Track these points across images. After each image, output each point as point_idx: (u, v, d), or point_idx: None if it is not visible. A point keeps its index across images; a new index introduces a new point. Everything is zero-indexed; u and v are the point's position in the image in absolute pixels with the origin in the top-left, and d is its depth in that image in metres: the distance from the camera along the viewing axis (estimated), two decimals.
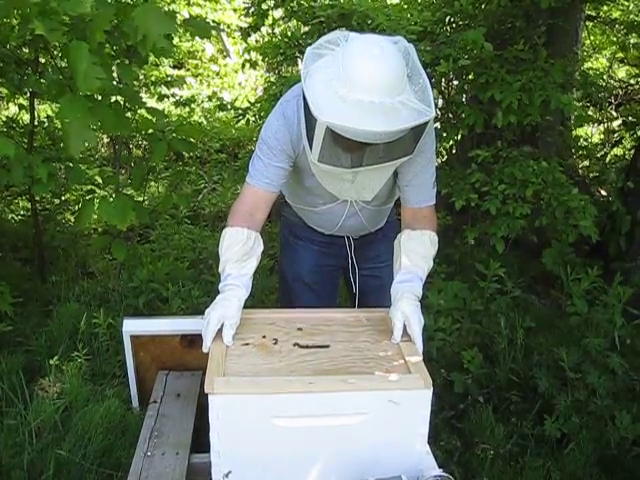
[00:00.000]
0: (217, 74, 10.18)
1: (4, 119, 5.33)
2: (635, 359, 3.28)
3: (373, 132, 1.89)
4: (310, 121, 1.99)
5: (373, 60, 1.90)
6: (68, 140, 2.89)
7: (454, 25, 4.30)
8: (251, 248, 2.23)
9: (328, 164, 2.08)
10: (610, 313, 3.37)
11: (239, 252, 2.20)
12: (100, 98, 3.16)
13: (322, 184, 2.33)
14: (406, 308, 2.13)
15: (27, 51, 3.82)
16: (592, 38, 6.95)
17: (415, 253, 2.28)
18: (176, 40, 7.68)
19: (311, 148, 2.05)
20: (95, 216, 3.93)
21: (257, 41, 6.41)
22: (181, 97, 8.25)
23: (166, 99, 7.87)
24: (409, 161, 2.17)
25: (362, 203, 2.45)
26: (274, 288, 4.18)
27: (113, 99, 3.45)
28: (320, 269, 2.74)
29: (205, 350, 2.04)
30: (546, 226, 3.78)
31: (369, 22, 4.24)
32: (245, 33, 5.46)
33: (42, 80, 3.55)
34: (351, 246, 2.67)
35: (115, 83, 3.38)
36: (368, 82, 1.89)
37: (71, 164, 3.80)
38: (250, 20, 5.60)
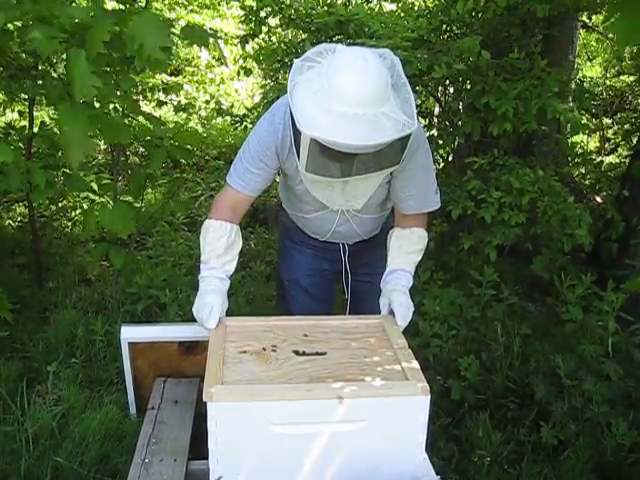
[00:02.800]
0: (213, 81, 10.19)
1: (2, 125, 5.32)
2: (630, 366, 3.29)
3: (354, 145, 1.95)
4: (297, 132, 2.05)
5: (356, 72, 1.96)
6: (68, 150, 2.89)
7: (451, 34, 4.32)
8: (233, 241, 2.40)
9: (315, 174, 2.14)
10: (605, 320, 3.38)
11: (222, 245, 2.37)
12: (99, 106, 3.16)
13: (311, 192, 2.37)
14: (392, 294, 2.38)
15: (26, 56, 3.82)
16: (587, 46, 7.00)
17: (403, 250, 2.47)
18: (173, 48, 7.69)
19: (299, 158, 2.11)
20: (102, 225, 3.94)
21: (254, 48, 6.43)
22: (179, 103, 8.26)
23: (164, 105, 7.87)
24: (399, 172, 2.23)
25: (353, 211, 2.49)
26: (271, 295, 4.18)
27: (112, 107, 3.45)
28: (316, 273, 2.77)
29: (212, 326, 2.22)
30: (541, 234, 3.79)
31: (366, 30, 4.26)
32: (243, 41, 5.48)
33: (42, 86, 3.55)
34: (345, 252, 2.70)
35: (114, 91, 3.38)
36: (351, 94, 1.94)
37: (69, 171, 3.80)
38: (247, 27, 5.62)
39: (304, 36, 5.05)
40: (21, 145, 3.94)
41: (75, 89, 2.73)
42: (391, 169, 2.18)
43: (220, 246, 2.36)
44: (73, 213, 5.37)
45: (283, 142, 2.26)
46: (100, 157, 7.34)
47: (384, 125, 1.95)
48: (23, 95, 3.95)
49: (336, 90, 1.94)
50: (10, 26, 3.13)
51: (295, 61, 2.11)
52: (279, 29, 5.65)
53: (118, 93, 3.33)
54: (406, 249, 2.47)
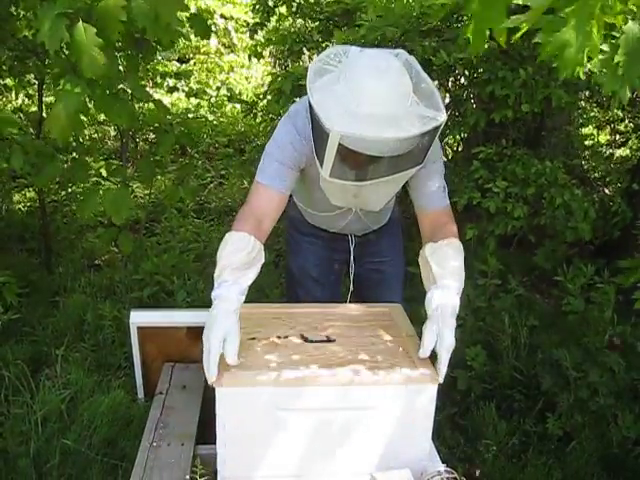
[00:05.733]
0: (222, 69, 10.16)
1: (12, 109, 5.35)
2: (636, 358, 3.28)
3: (386, 139, 1.88)
4: (320, 137, 1.98)
5: (380, 74, 1.93)
6: (56, 125, 2.83)
7: (461, 23, 4.29)
8: (254, 259, 2.06)
9: (339, 179, 2.07)
10: (603, 311, 3.38)
11: (240, 260, 2.03)
12: (106, 88, 3.13)
13: (328, 197, 2.35)
14: (443, 329, 1.93)
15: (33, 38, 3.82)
16: None
17: (444, 265, 2.10)
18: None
19: (321, 164, 2.04)
20: (101, 208, 3.94)
21: (264, 36, 6.44)
22: (190, 88, 8.25)
23: (176, 92, 7.87)
24: (418, 171, 2.17)
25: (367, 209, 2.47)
26: (278, 283, 4.19)
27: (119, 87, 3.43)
28: (324, 262, 2.77)
29: (211, 381, 1.84)
30: (545, 226, 3.78)
31: (372, 18, 4.23)
32: (252, 30, 5.50)
33: (50, 66, 3.54)
34: (353, 242, 2.69)
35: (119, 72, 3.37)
36: (377, 95, 1.90)
37: (76, 155, 3.81)
38: (256, 16, 5.63)
39: (315, 24, 5.05)
40: (31, 130, 3.96)
41: (83, 65, 2.67)
42: (415, 169, 2.10)
43: (236, 261, 2.02)
44: (82, 198, 5.37)
45: (310, 147, 2.13)
46: (110, 143, 7.36)
47: (412, 121, 1.91)
48: (33, 80, 3.95)
49: (361, 93, 1.90)
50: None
51: (310, 65, 2.07)
52: (290, 17, 5.65)
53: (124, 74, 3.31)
54: (451, 264, 2.10)
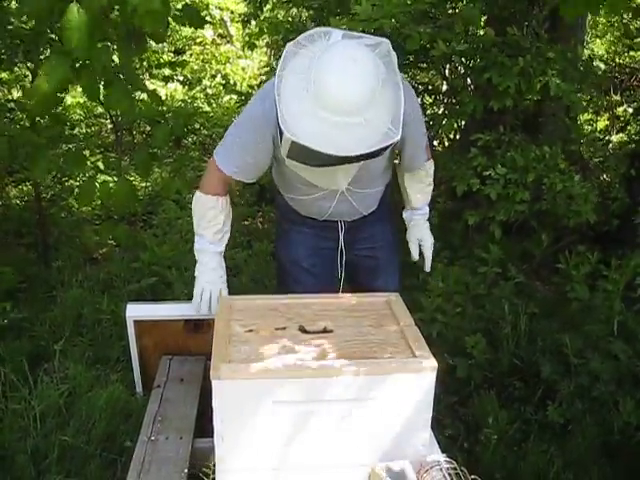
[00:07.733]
0: (218, 61, 10.11)
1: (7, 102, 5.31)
2: (637, 344, 3.27)
3: (333, 157, 1.92)
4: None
5: (342, 78, 1.91)
6: (36, 96, 2.82)
7: (456, 10, 4.25)
8: (221, 210, 2.48)
9: (296, 161, 2.12)
10: (610, 299, 3.36)
11: (210, 214, 2.46)
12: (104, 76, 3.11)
13: (307, 179, 2.36)
14: (423, 231, 2.75)
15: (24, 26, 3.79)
16: (596, 22, 6.91)
17: (416, 188, 2.68)
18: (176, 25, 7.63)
19: (281, 142, 2.09)
20: (99, 202, 3.92)
21: (259, 25, 6.40)
22: (185, 77, 8.21)
23: (171, 82, 7.82)
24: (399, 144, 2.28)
25: (353, 189, 2.46)
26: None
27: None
28: (316, 252, 2.72)
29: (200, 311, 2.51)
30: (546, 211, 3.76)
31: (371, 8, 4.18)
32: (245, 20, 5.48)
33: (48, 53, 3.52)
34: (343, 229, 2.66)
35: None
36: (334, 102, 1.90)
37: (72, 147, 3.78)
38: (248, 7, 5.61)
39: (308, 13, 5.01)
40: (27, 124, 3.93)
41: (66, 39, 2.63)
42: (372, 160, 2.13)
43: (214, 217, 2.47)
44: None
45: (276, 127, 2.14)
46: (107, 136, 7.32)
47: (364, 134, 1.91)
48: (27, 72, 3.93)
49: (320, 96, 1.90)
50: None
51: (287, 45, 2.04)
52: (282, 6, 5.63)
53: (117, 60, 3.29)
54: (423, 186, 2.69)
